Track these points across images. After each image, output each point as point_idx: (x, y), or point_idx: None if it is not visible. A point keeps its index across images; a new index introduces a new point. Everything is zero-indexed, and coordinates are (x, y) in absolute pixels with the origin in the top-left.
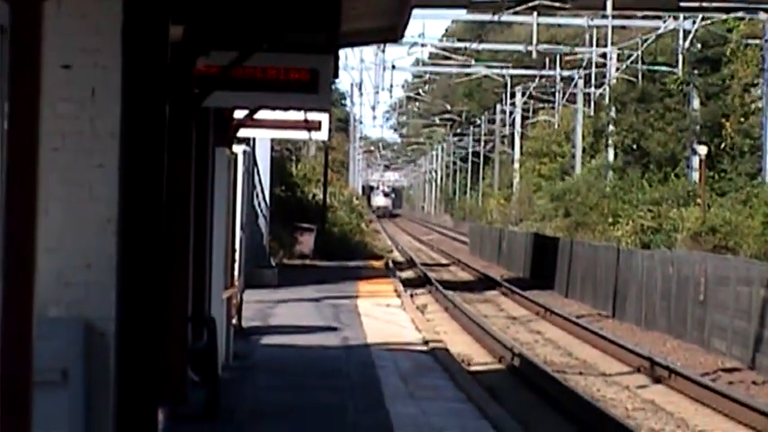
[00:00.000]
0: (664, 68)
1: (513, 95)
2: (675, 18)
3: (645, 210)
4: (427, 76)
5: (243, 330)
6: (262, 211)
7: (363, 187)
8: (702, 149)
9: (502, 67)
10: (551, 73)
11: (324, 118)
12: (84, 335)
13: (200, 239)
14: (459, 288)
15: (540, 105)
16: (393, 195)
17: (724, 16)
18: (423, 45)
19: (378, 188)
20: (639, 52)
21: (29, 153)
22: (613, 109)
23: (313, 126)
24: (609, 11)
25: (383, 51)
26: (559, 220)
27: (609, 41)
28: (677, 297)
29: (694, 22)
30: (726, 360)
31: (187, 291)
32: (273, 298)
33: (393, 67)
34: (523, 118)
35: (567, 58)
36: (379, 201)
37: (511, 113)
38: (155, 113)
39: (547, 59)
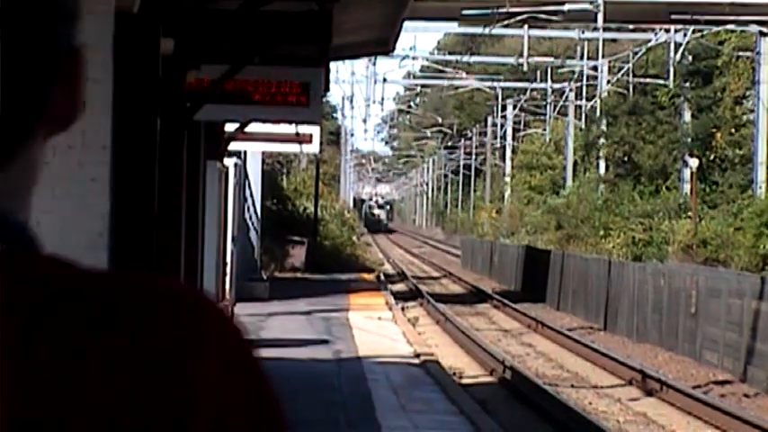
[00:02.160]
0: (655, 81)
1: (504, 108)
2: (666, 31)
3: (636, 222)
4: (418, 88)
5: None
6: (253, 224)
7: (355, 200)
8: (694, 162)
9: (493, 80)
10: (542, 86)
11: (315, 131)
12: None
13: (191, 252)
14: (451, 301)
15: (532, 118)
16: (388, 208)
17: (715, 29)
18: (414, 58)
19: (371, 200)
20: (630, 65)
21: None
22: (604, 122)
23: (304, 139)
24: (600, 23)
25: (374, 64)
26: (551, 233)
27: (600, 54)
28: (669, 309)
29: (685, 35)
30: (717, 372)
31: None
32: (265, 311)
33: (384, 80)
34: (515, 130)
35: (559, 70)
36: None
37: (502, 126)
38: (146, 127)
39: (538, 72)
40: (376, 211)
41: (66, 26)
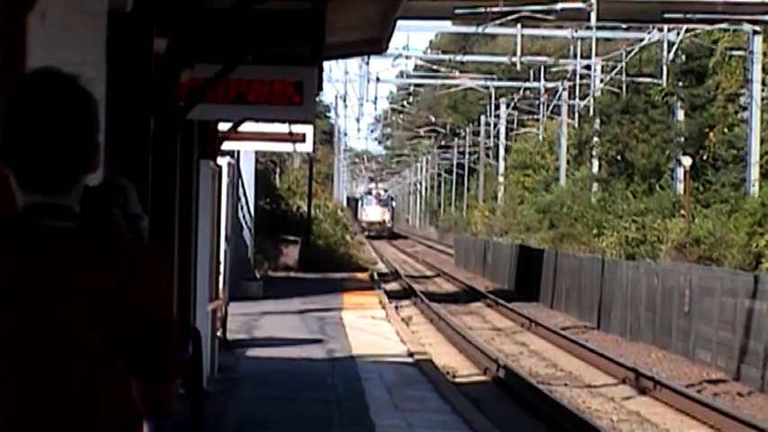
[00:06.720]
0: (648, 80)
1: (497, 107)
2: (660, 30)
3: (630, 221)
4: (412, 88)
5: (228, 343)
6: (246, 223)
7: (348, 199)
8: (687, 160)
9: (486, 79)
10: (536, 85)
11: (308, 130)
12: None
13: (184, 252)
14: (445, 300)
15: (525, 117)
16: (392, 204)
17: (708, 28)
18: (407, 57)
19: (370, 194)
20: (624, 64)
21: None
22: (598, 120)
23: (297, 138)
24: (593, 22)
25: (367, 63)
26: (544, 232)
27: (593, 53)
28: (662, 308)
29: (678, 34)
30: (711, 371)
31: None
32: (258, 310)
33: (377, 79)
34: (508, 130)
35: (553, 69)
36: (372, 213)
37: (495, 125)
38: (139, 126)
39: (532, 71)
40: (375, 211)
41: (98, 130)
